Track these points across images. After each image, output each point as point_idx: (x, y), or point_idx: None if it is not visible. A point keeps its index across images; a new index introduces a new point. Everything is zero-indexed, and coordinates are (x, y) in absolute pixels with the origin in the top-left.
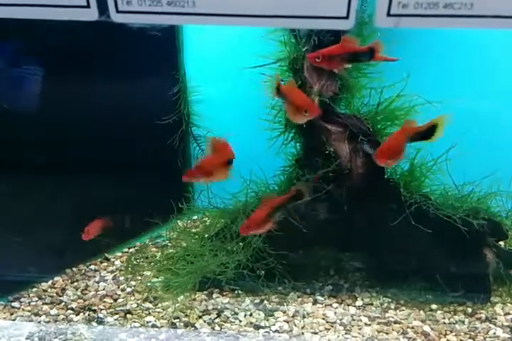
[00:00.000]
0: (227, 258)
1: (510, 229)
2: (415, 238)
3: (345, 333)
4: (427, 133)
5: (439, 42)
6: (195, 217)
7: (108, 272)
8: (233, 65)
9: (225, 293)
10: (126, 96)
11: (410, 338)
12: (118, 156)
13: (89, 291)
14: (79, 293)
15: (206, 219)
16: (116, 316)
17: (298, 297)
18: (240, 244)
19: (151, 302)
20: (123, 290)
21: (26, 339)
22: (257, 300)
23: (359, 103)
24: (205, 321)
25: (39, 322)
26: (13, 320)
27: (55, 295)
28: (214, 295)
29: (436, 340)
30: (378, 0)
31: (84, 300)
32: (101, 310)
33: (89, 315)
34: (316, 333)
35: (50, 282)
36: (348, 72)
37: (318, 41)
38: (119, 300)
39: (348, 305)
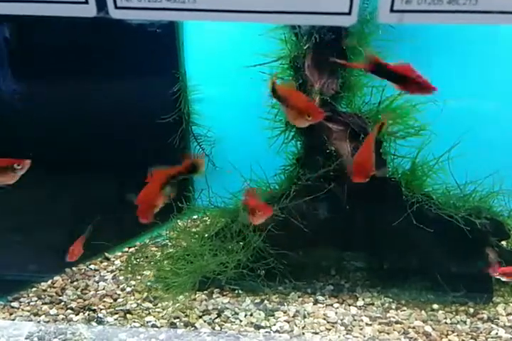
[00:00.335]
0: (227, 257)
1: None
2: (417, 237)
3: (346, 333)
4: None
5: (443, 39)
6: (195, 217)
7: (108, 272)
8: (234, 64)
9: (225, 293)
10: (125, 95)
11: (412, 338)
12: (117, 155)
13: (89, 291)
14: (79, 293)
15: (206, 218)
16: (116, 316)
17: (299, 297)
18: (240, 243)
19: (151, 302)
20: (123, 289)
21: (26, 339)
22: (258, 300)
23: (360, 101)
24: (205, 321)
25: (38, 322)
26: (13, 319)
27: (54, 294)
28: (214, 295)
29: (438, 340)
30: None
31: (84, 300)
32: (101, 309)
33: (88, 314)
34: (316, 333)
35: (49, 282)
36: (350, 70)
37: (320, 39)
38: (119, 300)
39: (349, 305)
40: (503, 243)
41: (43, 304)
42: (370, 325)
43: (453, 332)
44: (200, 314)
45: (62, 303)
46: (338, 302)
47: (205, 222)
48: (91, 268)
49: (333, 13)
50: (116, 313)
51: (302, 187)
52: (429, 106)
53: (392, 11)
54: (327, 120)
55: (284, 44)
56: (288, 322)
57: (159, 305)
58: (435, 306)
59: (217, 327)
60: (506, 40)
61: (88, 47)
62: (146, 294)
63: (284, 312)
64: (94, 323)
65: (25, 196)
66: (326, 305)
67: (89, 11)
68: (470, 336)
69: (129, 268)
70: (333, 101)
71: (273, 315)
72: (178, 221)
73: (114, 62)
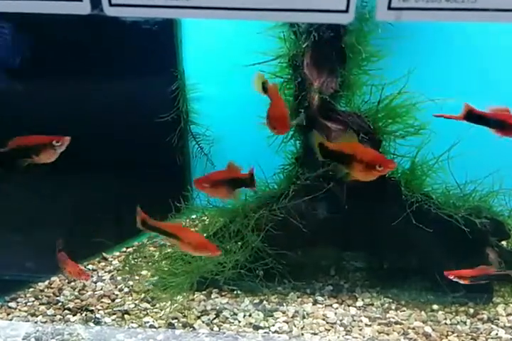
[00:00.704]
0: (225, 257)
1: None
2: (416, 237)
3: (346, 334)
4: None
5: (441, 38)
6: (193, 216)
7: (106, 272)
8: (232, 62)
9: (223, 293)
10: (123, 94)
11: (411, 339)
12: (116, 154)
13: (87, 291)
14: (76, 293)
15: (205, 218)
16: (114, 316)
17: (298, 297)
18: (239, 243)
19: (148, 302)
20: (121, 290)
21: (23, 339)
22: (257, 301)
23: (360, 100)
24: (203, 321)
25: (36, 322)
26: (10, 320)
27: (51, 295)
28: (213, 296)
29: None
30: None
31: (82, 301)
32: (98, 310)
33: (86, 315)
34: (316, 334)
35: (46, 282)
36: (349, 69)
37: (319, 37)
38: (117, 301)
39: (349, 306)
40: (503, 243)
41: (40, 304)
42: (370, 325)
43: (453, 332)
44: (199, 314)
45: (60, 304)
46: (337, 302)
47: (203, 222)
48: (89, 269)
49: (330, 10)
50: (114, 314)
51: (301, 186)
52: (428, 104)
53: (389, 8)
54: (326, 119)
55: (282, 42)
56: (287, 322)
57: (157, 305)
58: (435, 307)
59: (216, 328)
60: (507, 38)
61: (85, 46)
62: (144, 294)
63: (283, 313)
64: (91, 324)
65: (22, 196)
66: (326, 306)
67: (84, 8)
68: (470, 337)
69: (127, 269)
70: (333, 100)
71: (272, 316)
72: (177, 220)
73: (111, 61)
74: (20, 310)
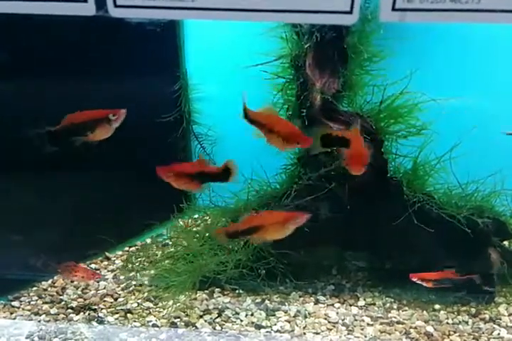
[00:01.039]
0: (227, 257)
1: None
2: (418, 237)
3: (348, 333)
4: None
5: (445, 37)
6: (196, 216)
7: (109, 271)
8: (235, 63)
9: (226, 293)
10: (126, 94)
11: (413, 338)
12: (118, 154)
13: (90, 290)
14: (79, 292)
15: (207, 217)
16: (117, 315)
17: (299, 296)
18: (241, 242)
19: (151, 301)
20: (123, 289)
21: (26, 338)
22: (259, 300)
23: (362, 100)
24: (206, 321)
25: (39, 321)
26: (13, 319)
27: (55, 294)
28: (215, 295)
29: None
30: None
31: (85, 300)
32: (101, 309)
33: (89, 314)
34: (317, 333)
35: (50, 281)
36: (351, 69)
37: (321, 38)
38: (120, 300)
39: (351, 305)
40: (506, 243)
41: (43, 303)
42: (372, 325)
43: (455, 332)
44: (201, 313)
45: (63, 303)
46: (339, 302)
47: (205, 222)
48: (91, 268)
49: (335, 11)
50: (117, 313)
51: (303, 186)
52: (431, 105)
53: (394, 9)
54: (328, 119)
55: (285, 43)
56: (289, 322)
57: (160, 304)
58: (437, 306)
59: (218, 327)
60: (509, 39)
61: (89, 46)
62: (146, 294)
63: (285, 312)
64: (94, 323)
65: (25, 194)
66: (327, 305)
67: (89, 9)
68: (472, 336)
69: (130, 268)
70: (335, 101)
71: (274, 315)
72: (179, 220)
73: (115, 61)
74: (23, 309)
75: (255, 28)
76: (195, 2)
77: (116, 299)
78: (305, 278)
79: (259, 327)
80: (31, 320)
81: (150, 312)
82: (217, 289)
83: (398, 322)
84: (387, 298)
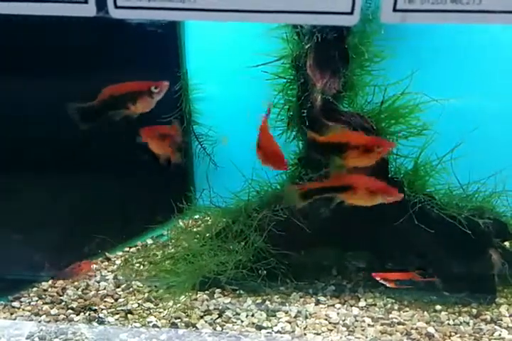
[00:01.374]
0: (227, 258)
1: None
2: (419, 238)
3: (348, 334)
4: None
5: (444, 38)
6: (196, 217)
7: (109, 271)
8: (235, 63)
9: (226, 293)
10: None
11: (414, 339)
12: (118, 155)
13: (90, 291)
14: (79, 293)
15: (208, 218)
16: (117, 316)
17: (300, 297)
18: (242, 243)
19: (152, 302)
20: (124, 289)
21: (26, 339)
22: (259, 301)
23: (362, 101)
24: (206, 321)
25: (39, 321)
26: (14, 319)
27: (55, 294)
28: (215, 295)
29: None
30: None
31: (85, 300)
32: (102, 309)
33: (89, 314)
34: (318, 334)
35: (50, 281)
36: (352, 69)
37: (321, 38)
38: (120, 300)
39: (351, 306)
40: (506, 244)
41: (43, 304)
42: (373, 325)
43: (456, 333)
44: (202, 314)
45: (63, 303)
46: (339, 302)
47: (206, 222)
48: (92, 268)
49: (336, 12)
50: (117, 313)
51: None
52: (432, 105)
53: (395, 10)
54: (329, 119)
55: (285, 43)
56: (289, 322)
57: (160, 305)
58: (438, 307)
59: (219, 328)
60: (510, 39)
61: (90, 47)
62: (147, 294)
63: (286, 313)
64: (95, 323)
65: (25, 194)
66: (328, 306)
67: (89, 10)
68: (473, 337)
69: (130, 268)
70: (335, 101)
71: (274, 316)
72: (179, 221)
73: (115, 62)
74: (23, 310)
75: (256, 28)
76: (196, 3)
77: (116, 299)
78: (306, 279)
79: (259, 327)
80: (31, 320)
81: (150, 313)
82: (217, 290)
83: (399, 323)
84: (388, 299)
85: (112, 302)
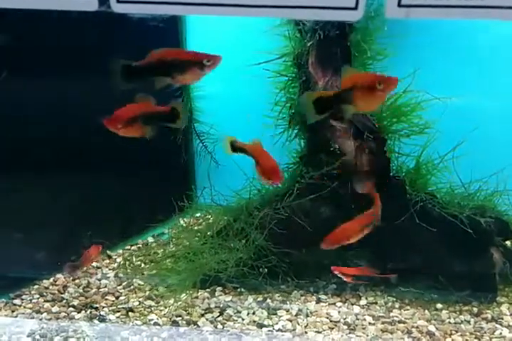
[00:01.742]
0: (228, 255)
1: None
2: (420, 236)
3: (349, 332)
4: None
5: (447, 35)
6: (197, 215)
7: (110, 269)
8: (237, 61)
9: (227, 291)
10: (126, 92)
11: (415, 338)
12: (120, 153)
13: (91, 289)
14: (80, 291)
15: (209, 216)
16: (118, 314)
17: (301, 295)
18: (243, 241)
19: (153, 300)
20: (125, 287)
21: (28, 336)
22: (260, 299)
23: None
24: (207, 319)
25: (40, 319)
26: (15, 317)
27: (56, 292)
28: (217, 293)
29: (442, 340)
30: None
31: (86, 298)
32: (103, 307)
33: (90, 312)
34: (319, 332)
35: (51, 279)
36: (354, 67)
37: (324, 36)
38: (121, 298)
39: (352, 304)
40: (508, 242)
41: (44, 301)
42: (373, 324)
43: (457, 331)
44: (203, 312)
45: (64, 301)
46: (340, 301)
47: (207, 220)
48: (93, 266)
49: (339, 7)
50: (119, 311)
51: (305, 185)
52: (434, 103)
53: (399, 5)
54: (331, 118)
55: (287, 41)
56: (290, 320)
57: (161, 303)
58: (439, 305)
59: (220, 326)
60: None
61: (89, 43)
62: (148, 292)
63: (287, 311)
64: (96, 321)
65: (26, 193)
66: (329, 304)
67: (91, 4)
68: (474, 336)
69: (131, 266)
70: None
71: (275, 314)
72: (181, 219)
73: (116, 57)
74: (25, 307)
75: (258, 25)
76: None
77: (117, 297)
78: (307, 277)
79: (260, 325)
80: (33, 318)
81: (151, 311)
82: (218, 288)
83: (400, 322)
84: (389, 297)
85: (113, 300)
